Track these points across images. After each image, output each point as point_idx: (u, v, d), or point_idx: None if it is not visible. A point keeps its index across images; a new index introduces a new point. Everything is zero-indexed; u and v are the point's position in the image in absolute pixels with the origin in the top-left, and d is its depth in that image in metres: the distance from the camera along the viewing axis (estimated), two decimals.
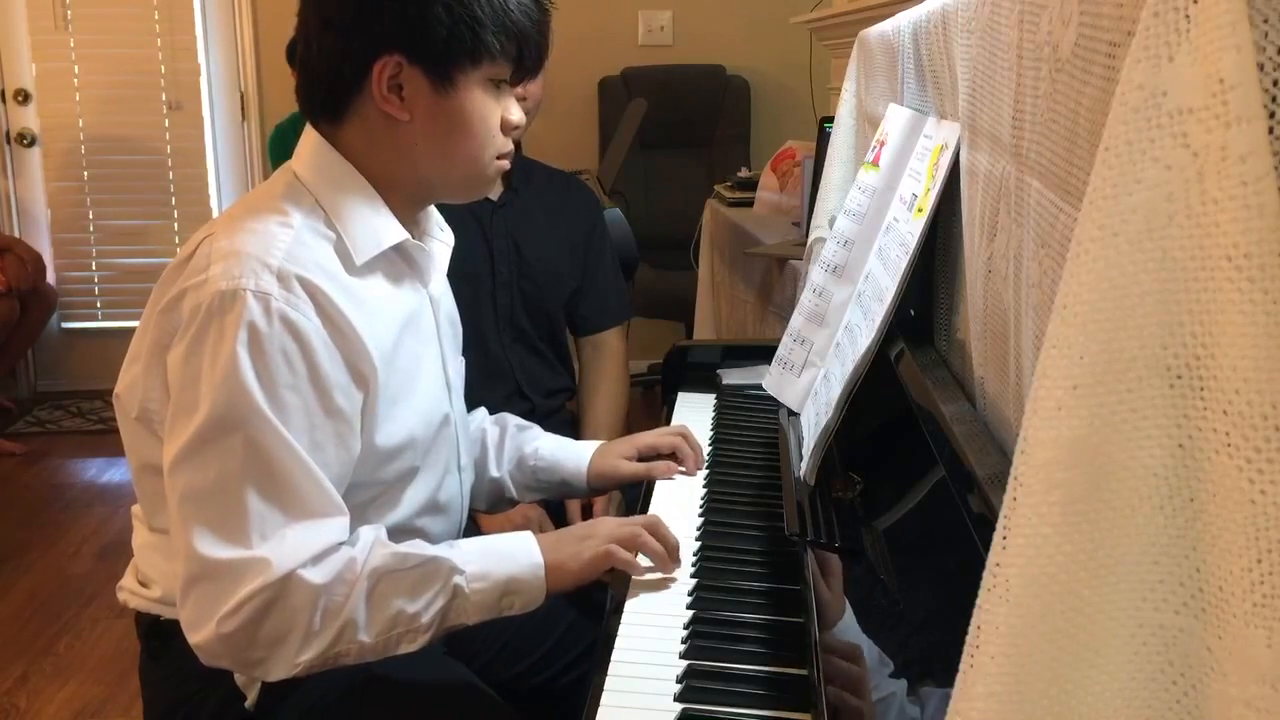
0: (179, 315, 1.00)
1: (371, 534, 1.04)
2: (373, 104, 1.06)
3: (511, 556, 1.06)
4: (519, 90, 1.16)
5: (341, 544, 1.01)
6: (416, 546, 1.04)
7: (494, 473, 1.38)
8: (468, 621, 1.04)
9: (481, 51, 1.06)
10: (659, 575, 1.10)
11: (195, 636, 0.97)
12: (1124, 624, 0.43)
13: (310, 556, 0.98)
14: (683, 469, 1.38)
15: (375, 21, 1.04)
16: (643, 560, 1.10)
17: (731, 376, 1.68)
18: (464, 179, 1.13)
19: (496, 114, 1.10)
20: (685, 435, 1.41)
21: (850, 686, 0.83)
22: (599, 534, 1.09)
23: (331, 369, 1.01)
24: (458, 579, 1.02)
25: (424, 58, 1.05)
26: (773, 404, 1.40)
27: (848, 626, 0.92)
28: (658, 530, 1.11)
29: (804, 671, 0.92)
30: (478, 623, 1.05)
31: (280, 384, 0.98)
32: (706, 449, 1.45)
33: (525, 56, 1.10)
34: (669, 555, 1.10)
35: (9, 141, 4.13)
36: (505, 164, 1.14)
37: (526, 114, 1.17)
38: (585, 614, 1.36)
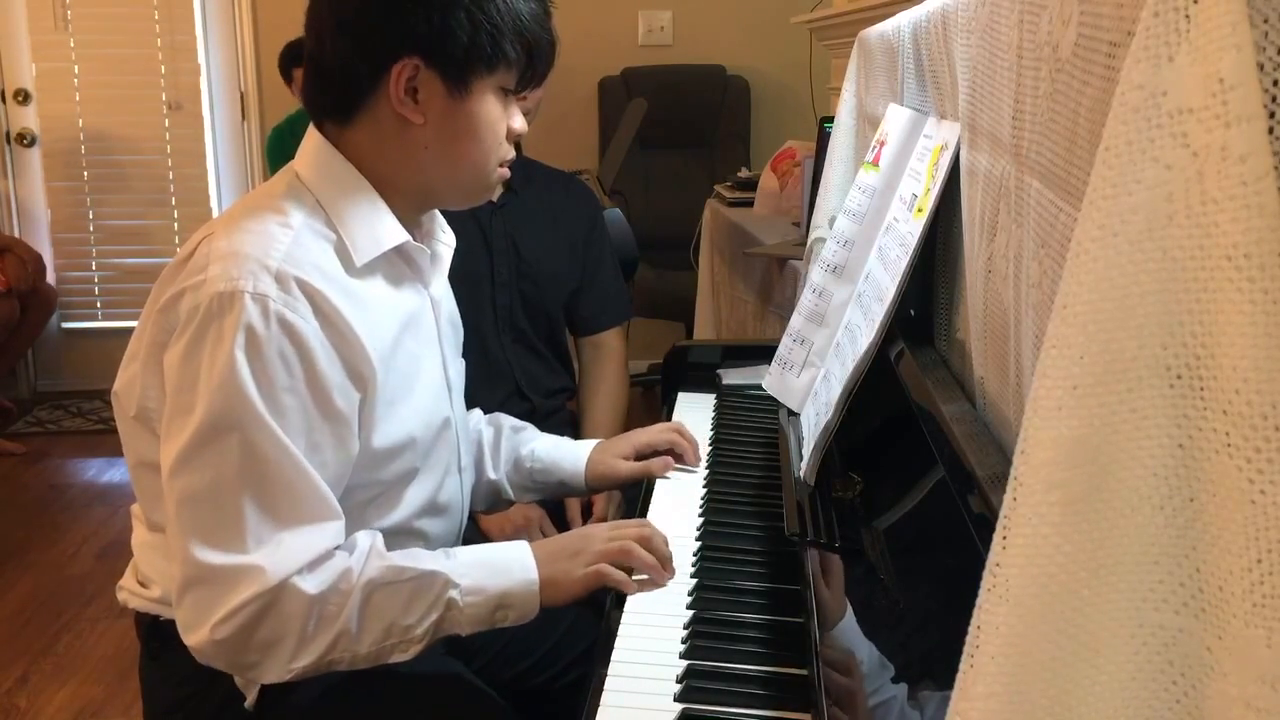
0: (177, 315, 1.00)
1: (368, 541, 1.04)
2: (386, 106, 1.06)
3: (507, 571, 1.06)
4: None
5: (337, 549, 1.01)
6: (412, 557, 1.04)
7: (491, 475, 1.38)
8: (461, 632, 1.04)
9: (498, 59, 1.06)
10: (650, 581, 1.10)
11: (190, 639, 0.98)
12: (1124, 624, 0.43)
13: (305, 563, 0.98)
14: (679, 466, 1.38)
15: (396, 24, 1.04)
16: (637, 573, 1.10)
17: (731, 376, 1.68)
18: (467, 184, 1.13)
19: (503, 122, 1.11)
20: (680, 431, 1.41)
21: (842, 699, 0.83)
22: (591, 550, 1.09)
23: (329, 371, 1.01)
24: (452, 593, 1.02)
25: (442, 62, 1.05)
26: (773, 404, 1.40)
27: (847, 628, 0.92)
28: (649, 542, 1.10)
29: (804, 671, 0.92)
30: (471, 633, 1.05)
31: (278, 386, 0.98)
32: (706, 449, 1.45)
33: (535, 65, 1.10)
34: (662, 566, 1.10)
35: (9, 141, 4.13)
36: (506, 172, 1.15)
37: (527, 115, 1.17)
38: (587, 607, 1.35)
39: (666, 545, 1.12)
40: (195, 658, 0.99)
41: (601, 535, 1.11)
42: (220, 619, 0.95)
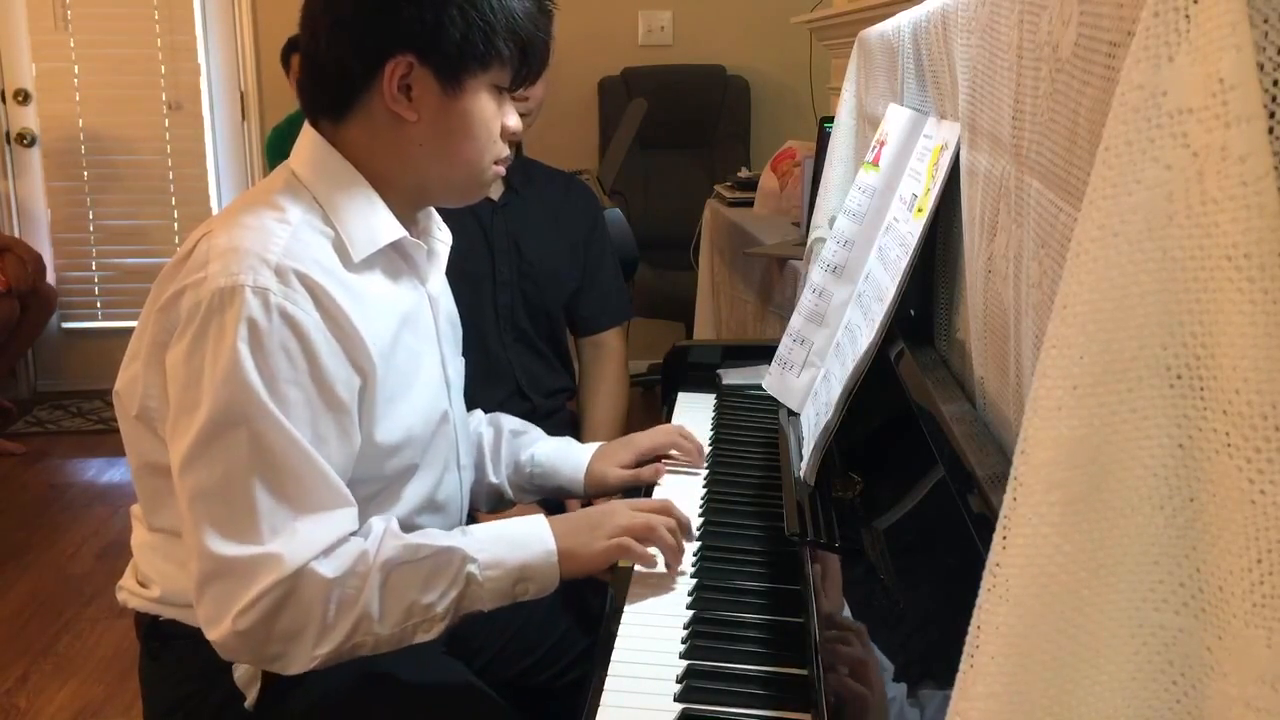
0: (178, 313, 1.00)
1: (382, 524, 1.04)
2: (380, 103, 1.06)
3: (525, 544, 1.06)
4: (520, 92, 1.16)
5: (352, 535, 1.02)
6: (428, 536, 1.05)
7: (492, 478, 1.38)
8: (483, 608, 1.05)
9: (492, 56, 1.07)
10: (663, 571, 1.11)
11: (212, 634, 0.98)
12: (1124, 624, 0.43)
13: (321, 549, 0.98)
14: (682, 469, 1.38)
15: (390, 21, 1.04)
16: (652, 550, 1.11)
17: (731, 376, 1.68)
18: (462, 182, 1.13)
19: (498, 120, 1.11)
20: (682, 433, 1.41)
21: (856, 671, 0.83)
22: (612, 523, 1.10)
23: (332, 363, 1.01)
24: (470, 568, 1.02)
25: (436, 60, 1.05)
26: (773, 404, 1.40)
27: (843, 625, 0.92)
28: (671, 515, 1.12)
29: (804, 671, 0.92)
30: (493, 608, 1.05)
31: (281, 379, 0.98)
32: (706, 449, 1.45)
33: (529, 63, 1.11)
34: (683, 533, 1.13)
35: (9, 141, 4.13)
36: (501, 170, 1.15)
37: (528, 115, 1.18)
38: (582, 621, 1.36)
39: (690, 526, 1.14)
40: (220, 654, 1.00)
41: (622, 509, 1.12)
42: (241, 610, 0.95)
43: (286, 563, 0.96)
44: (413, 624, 1.01)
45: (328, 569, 0.98)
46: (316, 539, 0.98)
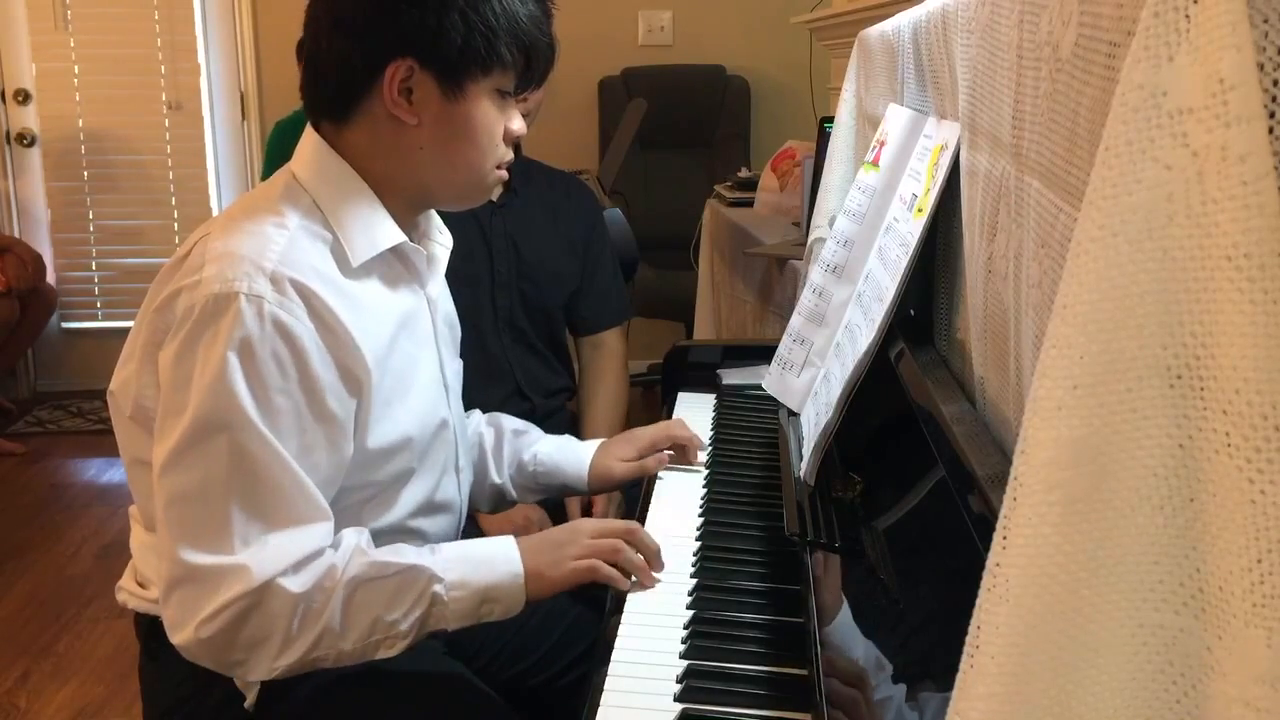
0: (172, 314, 1.00)
1: (354, 539, 1.04)
2: (381, 106, 1.06)
3: (491, 564, 1.06)
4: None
5: (324, 549, 1.01)
6: (397, 553, 1.04)
7: (495, 479, 1.37)
8: (447, 628, 1.04)
9: (494, 61, 1.06)
10: (642, 586, 1.10)
11: (176, 637, 0.99)
12: (1124, 624, 0.43)
13: (291, 564, 0.98)
14: (677, 465, 1.38)
15: (391, 25, 1.04)
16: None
17: (731, 376, 1.68)
18: (464, 186, 1.13)
19: (500, 124, 1.11)
20: (683, 427, 1.41)
21: (857, 671, 0.83)
22: (578, 543, 1.09)
23: (323, 372, 1.01)
24: (436, 587, 1.02)
25: (437, 64, 1.05)
26: (773, 404, 1.40)
27: (843, 625, 0.92)
28: (637, 539, 1.10)
29: (804, 671, 0.92)
30: (458, 627, 1.05)
31: (271, 388, 0.98)
32: (706, 449, 1.45)
33: (533, 67, 1.10)
34: (651, 563, 1.10)
35: (9, 141, 4.13)
36: (504, 174, 1.15)
37: (526, 116, 1.17)
38: (588, 606, 1.36)
39: (655, 545, 1.11)
40: (182, 655, 1.00)
41: (588, 530, 1.11)
42: (205, 618, 0.96)
43: (254, 575, 0.96)
44: (375, 640, 1.01)
45: (295, 584, 0.98)
46: (287, 553, 0.98)
